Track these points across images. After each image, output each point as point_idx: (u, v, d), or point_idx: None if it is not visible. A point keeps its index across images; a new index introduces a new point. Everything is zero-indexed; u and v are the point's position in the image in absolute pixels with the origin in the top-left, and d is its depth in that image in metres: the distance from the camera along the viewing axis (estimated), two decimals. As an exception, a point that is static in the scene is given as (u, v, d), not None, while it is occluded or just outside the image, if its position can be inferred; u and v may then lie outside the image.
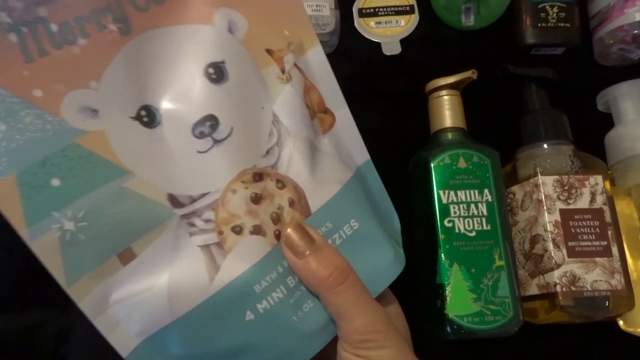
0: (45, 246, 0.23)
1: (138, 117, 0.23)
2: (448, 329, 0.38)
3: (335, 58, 0.49)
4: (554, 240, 0.39)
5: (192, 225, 0.24)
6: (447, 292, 0.39)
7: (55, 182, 0.22)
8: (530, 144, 0.43)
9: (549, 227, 0.39)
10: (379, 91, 0.47)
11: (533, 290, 0.40)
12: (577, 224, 0.39)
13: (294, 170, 0.25)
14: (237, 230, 0.24)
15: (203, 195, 0.23)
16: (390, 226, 0.32)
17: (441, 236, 0.40)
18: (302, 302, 0.25)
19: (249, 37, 0.24)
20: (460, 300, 0.38)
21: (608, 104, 0.47)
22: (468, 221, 0.40)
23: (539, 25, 0.48)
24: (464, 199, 0.40)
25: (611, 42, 0.48)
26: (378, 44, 0.50)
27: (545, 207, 0.40)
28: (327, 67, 0.27)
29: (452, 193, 0.41)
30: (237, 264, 0.24)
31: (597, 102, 0.48)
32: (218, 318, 0.23)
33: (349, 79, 0.46)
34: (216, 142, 0.23)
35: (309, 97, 0.26)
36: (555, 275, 0.38)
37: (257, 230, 0.24)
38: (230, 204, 0.23)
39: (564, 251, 0.39)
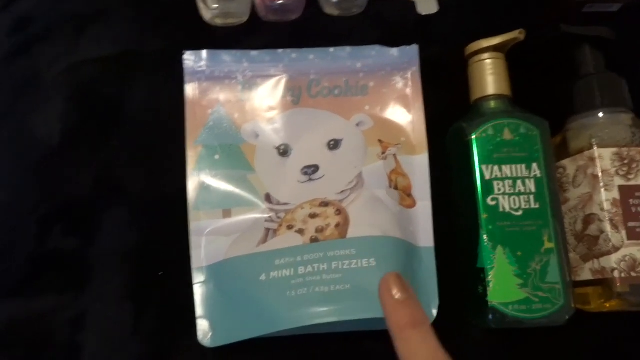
0: (199, 181, 0.39)
1: (278, 148, 0.39)
2: (490, 316, 0.36)
3: (364, 21, 0.45)
4: (611, 220, 0.35)
5: (269, 215, 0.38)
6: (489, 277, 0.36)
7: (217, 157, 0.39)
8: (583, 113, 0.39)
9: (606, 206, 0.36)
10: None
11: (585, 275, 0.37)
12: (638, 202, 0.36)
13: (354, 207, 0.38)
14: (289, 227, 0.38)
15: (286, 204, 0.38)
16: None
17: (483, 216, 0.37)
18: (299, 287, 0.35)
19: (370, 130, 0.40)
20: (504, 286, 0.36)
21: (672, 66, 0.43)
22: (514, 199, 0.37)
23: (594, -22, 0.44)
24: (509, 175, 0.37)
25: (676, -5, 0.44)
26: (412, 3, 0.46)
27: (602, 184, 0.36)
28: (426, 170, 0.39)
29: (495, 168, 0.38)
30: (276, 242, 0.37)
31: (658, 65, 0.44)
32: (247, 268, 0.36)
33: (379, 42, 0.43)
34: (311, 180, 0.39)
35: (394, 176, 0.39)
36: (613, 260, 0.35)
37: (300, 232, 0.37)
38: (296, 214, 0.38)
39: (623, 233, 0.35)
